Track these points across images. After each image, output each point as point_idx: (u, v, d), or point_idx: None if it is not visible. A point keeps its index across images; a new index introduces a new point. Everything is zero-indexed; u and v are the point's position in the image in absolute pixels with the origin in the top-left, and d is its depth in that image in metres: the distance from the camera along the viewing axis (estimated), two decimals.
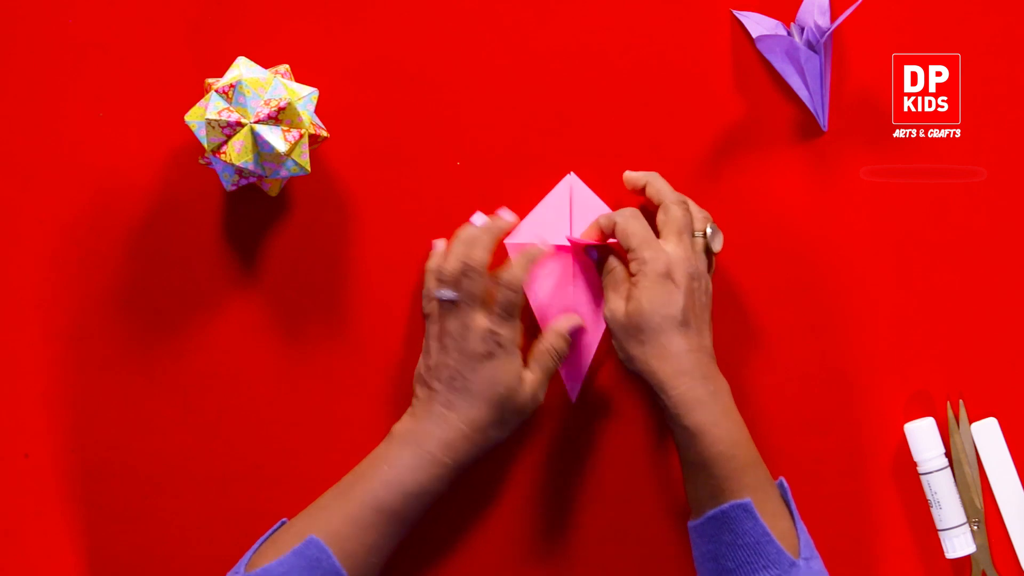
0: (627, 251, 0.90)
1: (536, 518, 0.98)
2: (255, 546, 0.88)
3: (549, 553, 0.97)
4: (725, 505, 0.84)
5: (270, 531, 0.89)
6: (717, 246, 0.92)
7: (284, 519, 0.90)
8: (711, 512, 0.85)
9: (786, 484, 0.89)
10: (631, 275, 0.89)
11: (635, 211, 0.91)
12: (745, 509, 0.84)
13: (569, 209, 0.96)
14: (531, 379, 0.91)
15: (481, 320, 0.89)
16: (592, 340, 0.96)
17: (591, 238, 0.94)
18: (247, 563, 0.86)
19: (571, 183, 0.96)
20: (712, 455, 0.85)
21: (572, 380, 0.96)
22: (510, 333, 0.89)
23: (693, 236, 0.91)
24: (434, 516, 0.97)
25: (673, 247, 0.89)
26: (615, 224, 0.91)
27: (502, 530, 0.98)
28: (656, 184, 0.93)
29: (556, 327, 0.93)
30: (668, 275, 0.87)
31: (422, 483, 0.87)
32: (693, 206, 0.93)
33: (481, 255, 0.90)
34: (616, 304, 0.89)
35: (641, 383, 0.96)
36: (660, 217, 0.91)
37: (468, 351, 0.89)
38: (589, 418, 0.98)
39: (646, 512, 0.97)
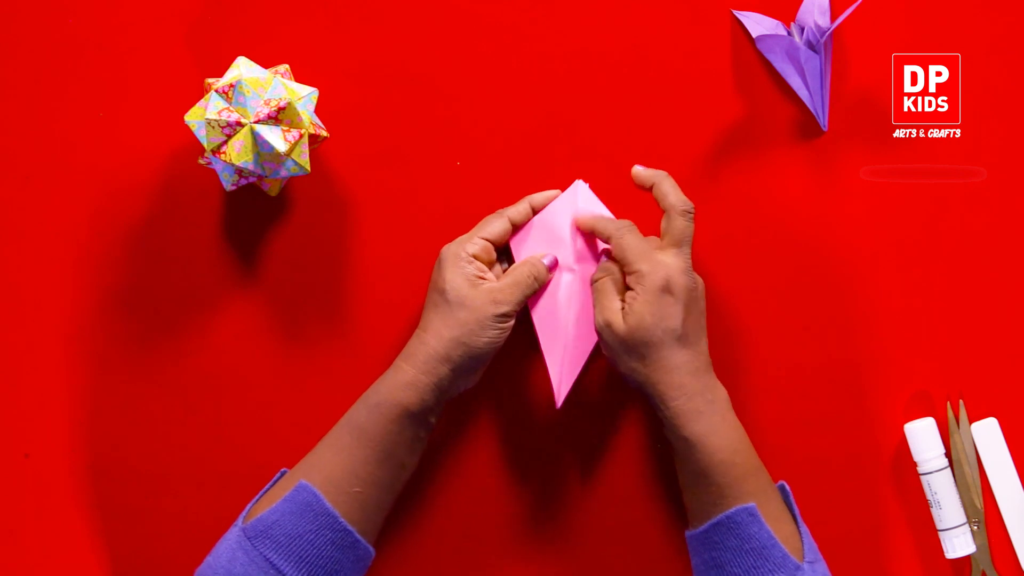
0: (623, 265, 0.89)
1: (527, 525, 0.98)
2: (255, 498, 0.89)
3: (542, 561, 0.98)
4: (730, 510, 0.84)
5: (270, 483, 0.90)
6: None
7: (284, 469, 0.91)
8: (715, 519, 0.85)
9: (788, 488, 0.89)
10: (626, 287, 0.88)
11: (630, 224, 0.90)
12: (750, 513, 0.84)
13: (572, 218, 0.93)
14: (491, 285, 0.89)
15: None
16: (584, 351, 0.92)
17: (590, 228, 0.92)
18: (246, 514, 0.87)
19: (577, 189, 0.94)
20: (712, 463, 0.85)
21: (561, 386, 0.92)
22: (473, 247, 0.90)
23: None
24: (430, 520, 0.97)
25: (672, 258, 0.87)
26: (611, 235, 0.90)
27: (493, 536, 0.98)
28: (664, 187, 0.89)
29: (531, 258, 0.92)
30: (667, 288, 0.86)
31: (381, 392, 0.88)
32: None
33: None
34: (611, 316, 0.87)
35: (633, 396, 0.96)
36: (664, 224, 0.89)
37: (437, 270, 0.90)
38: (577, 428, 0.98)
39: (637, 521, 0.97)
